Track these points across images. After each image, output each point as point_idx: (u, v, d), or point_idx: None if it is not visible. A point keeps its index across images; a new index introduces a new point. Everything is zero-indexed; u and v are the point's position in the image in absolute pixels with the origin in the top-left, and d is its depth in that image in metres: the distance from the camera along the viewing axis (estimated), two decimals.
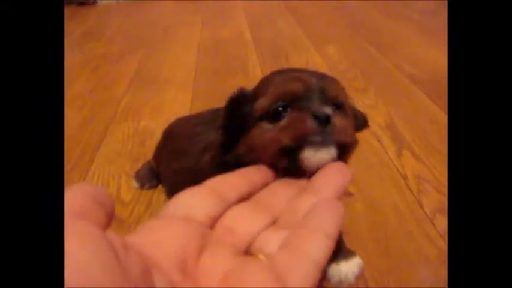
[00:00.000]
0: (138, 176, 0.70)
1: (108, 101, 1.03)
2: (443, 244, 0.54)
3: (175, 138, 0.64)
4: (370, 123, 0.66)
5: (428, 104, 0.90)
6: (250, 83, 0.90)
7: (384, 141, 0.78)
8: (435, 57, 1.16)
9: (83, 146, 0.84)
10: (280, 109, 0.37)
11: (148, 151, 0.79)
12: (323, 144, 0.33)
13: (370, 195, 0.63)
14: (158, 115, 0.94)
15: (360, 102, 0.92)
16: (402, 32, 1.42)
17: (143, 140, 0.84)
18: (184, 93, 1.03)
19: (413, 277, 0.50)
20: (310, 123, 0.35)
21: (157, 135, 0.82)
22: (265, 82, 0.40)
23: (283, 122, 0.37)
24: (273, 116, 0.37)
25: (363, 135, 0.71)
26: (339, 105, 0.38)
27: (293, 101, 0.37)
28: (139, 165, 0.74)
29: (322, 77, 0.39)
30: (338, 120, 0.36)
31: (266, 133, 0.37)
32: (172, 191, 0.63)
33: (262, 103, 0.38)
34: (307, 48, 1.28)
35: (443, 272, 0.51)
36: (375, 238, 0.56)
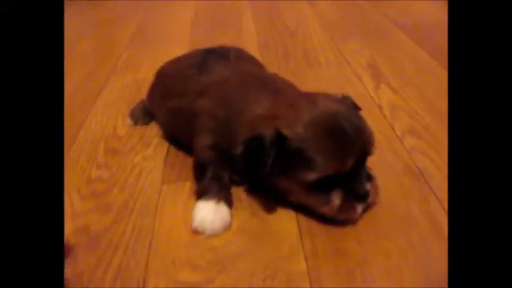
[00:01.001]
0: (133, 114, 0.76)
1: (109, 56, 1.09)
2: (408, 159, 0.60)
3: (168, 78, 0.69)
4: (354, 65, 0.74)
5: (411, 46, 0.94)
6: (241, 38, 0.96)
7: (364, 78, 0.82)
8: (421, 7, 1.19)
9: (86, 94, 0.90)
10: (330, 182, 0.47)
11: (144, 95, 0.85)
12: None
13: None
14: (155, 68, 0.99)
15: (347, 48, 0.96)
16: None
17: (140, 87, 0.90)
18: (180, 48, 1.07)
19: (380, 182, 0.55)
20: (359, 207, 0.48)
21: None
22: (316, 141, 0.46)
23: (335, 203, 0.47)
24: (321, 184, 0.47)
25: (347, 73, 0.76)
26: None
27: (341, 179, 0.47)
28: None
29: (360, 133, 0.47)
30: (371, 189, 0.48)
31: (317, 203, 0.49)
32: (166, 127, 0.69)
33: (311, 176, 0.46)
34: (299, 2, 1.32)
35: (406, 181, 0.56)
36: None
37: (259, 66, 0.69)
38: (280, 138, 0.47)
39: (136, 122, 0.75)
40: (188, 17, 1.33)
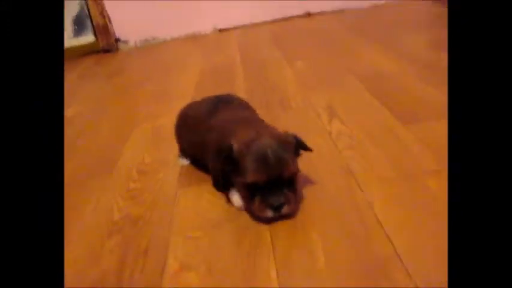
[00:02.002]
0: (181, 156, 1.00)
1: (133, 113, 1.41)
2: (345, 164, 0.87)
3: (188, 120, 0.95)
4: (316, 107, 1.04)
5: (361, 91, 1.25)
6: (235, 92, 1.32)
7: (322, 115, 1.12)
8: (379, 60, 1.51)
9: (119, 137, 1.21)
10: (253, 190, 0.70)
11: (163, 137, 1.15)
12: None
13: (308, 143, 0.96)
14: (170, 117, 1.29)
15: (311, 95, 1.27)
16: (361, 44, 1.78)
17: (158, 132, 1.20)
18: (186, 101, 1.39)
19: (318, 167, 0.83)
20: (269, 212, 0.70)
21: (169, 128, 1.18)
22: (244, 157, 0.70)
23: (256, 203, 0.70)
24: (249, 188, 0.71)
25: (310, 113, 1.05)
26: (291, 180, 0.71)
27: (259, 188, 0.70)
28: (156, 146, 1.10)
29: (280, 160, 0.69)
30: (288, 199, 0.70)
31: (246, 200, 0.73)
32: (190, 153, 0.96)
33: (244, 180, 0.70)
34: (282, 64, 1.65)
35: (341, 177, 0.83)
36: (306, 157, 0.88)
37: (252, 110, 0.96)
38: (230, 150, 0.72)
39: (187, 160, 0.98)
40: (193, 79, 1.66)
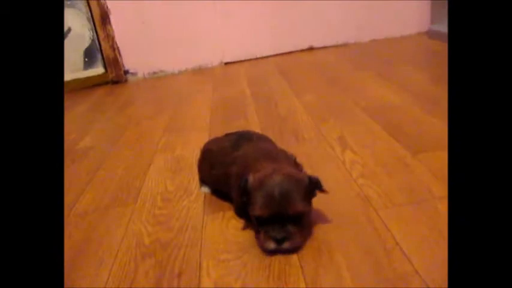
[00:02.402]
0: (204, 186, 1.05)
1: (150, 143, 1.47)
2: (359, 190, 0.94)
3: (212, 154, 1.01)
4: (328, 138, 1.12)
5: (370, 123, 1.32)
6: (248, 124, 1.41)
7: (335, 146, 1.19)
8: (383, 94, 1.59)
9: (139, 167, 1.27)
10: (260, 223, 0.76)
11: (182, 167, 1.21)
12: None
13: (324, 172, 1.02)
14: (187, 148, 1.37)
15: (323, 128, 1.34)
16: (365, 78, 1.87)
17: (178, 161, 1.27)
18: (203, 133, 1.46)
19: (335, 193, 0.89)
20: (272, 244, 0.76)
21: (188, 158, 1.25)
22: (255, 191, 0.76)
23: (261, 235, 0.76)
24: (257, 220, 0.77)
25: (323, 144, 1.12)
26: (297, 217, 0.75)
27: (265, 221, 0.76)
28: (177, 175, 1.16)
29: (286, 198, 0.73)
30: (291, 235, 0.74)
31: (254, 231, 0.80)
32: (213, 185, 1.02)
33: (253, 212, 0.77)
34: (290, 97, 1.74)
35: (357, 202, 0.89)
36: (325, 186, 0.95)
37: (272, 142, 1.01)
38: (246, 183, 0.79)
39: (209, 189, 1.04)
40: (205, 112, 1.73)
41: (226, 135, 1.04)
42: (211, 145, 1.05)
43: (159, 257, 0.82)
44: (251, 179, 0.79)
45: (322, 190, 0.80)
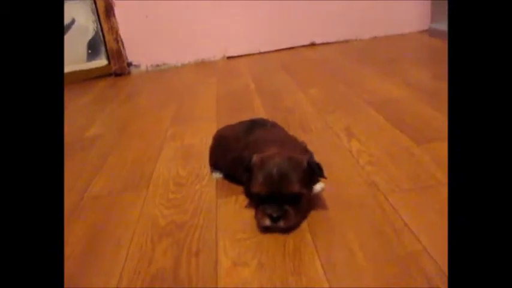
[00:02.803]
0: (215, 171, 1.09)
1: (158, 132, 1.50)
2: (366, 177, 0.97)
3: (226, 139, 1.04)
4: (335, 129, 1.15)
5: (374, 115, 1.36)
6: (255, 115, 1.43)
7: (341, 136, 1.22)
8: (386, 88, 1.63)
9: (149, 155, 1.30)
10: (259, 200, 0.81)
11: (193, 154, 1.24)
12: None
13: (332, 161, 1.06)
14: (195, 137, 1.40)
15: (329, 119, 1.38)
16: (367, 73, 1.91)
17: (188, 150, 1.30)
18: (210, 123, 1.49)
19: (343, 179, 0.93)
20: (267, 221, 0.80)
21: (197, 146, 1.28)
22: (256, 169, 0.81)
23: (258, 212, 0.80)
24: (256, 197, 0.82)
25: (330, 134, 1.15)
26: (294, 198, 0.79)
27: (264, 199, 0.81)
28: (187, 162, 1.19)
29: (284, 178, 0.78)
30: (286, 215, 0.78)
31: (254, 207, 0.84)
32: (227, 170, 1.05)
33: (252, 189, 0.81)
34: (295, 91, 1.77)
35: (364, 187, 0.93)
36: (333, 173, 0.98)
37: (284, 130, 1.04)
38: (249, 161, 0.83)
39: (220, 174, 1.07)
40: (211, 103, 1.76)
41: (240, 122, 1.07)
42: (224, 131, 1.08)
43: (176, 237, 0.86)
44: (254, 158, 0.83)
45: (321, 175, 0.83)
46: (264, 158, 0.82)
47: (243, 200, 0.95)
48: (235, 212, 0.91)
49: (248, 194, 0.93)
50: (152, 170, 1.19)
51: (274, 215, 0.78)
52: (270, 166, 0.79)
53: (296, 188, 0.79)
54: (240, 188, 0.98)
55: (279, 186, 0.79)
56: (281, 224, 0.79)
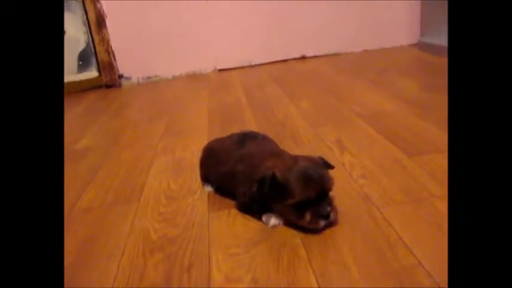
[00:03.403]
0: (206, 184, 1.08)
1: (149, 145, 1.49)
2: (359, 190, 0.97)
3: (216, 152, 1.03)
4: (327, 141, 1.15)
5: (366, 127, 1.36)
6: (247, 128, 1.42)
7: (333, 149, 1.22)
8: (377, 101, 1.64)
9: (140, 168, 1.28)
10: (303, 207, 0.81)
11: (184, 167, 1.23)
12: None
13: None
14: (187, 150, 1.39)
15: (321, 132, 1.38)
16: (358, 86, 1.92)
17: (179, 162, 1.29)
18: (202, 136, 1.48)
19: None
20: (322, 222, 0.81)
21: (189, 160, 1.27)
22: (289, 181, 0.80)
23: (307, 217, 0.80)
24: (298, 206, 0.82)
25: (322, 147, 1.15)
26: (329, 192, 0.83)
27: (311, 202, 0.82)
28: (179, 175, 1.18)
29: (322, 176, 0.81)
30: (332, 207, 0.82)
31: (296, 218, 0.82)
32: (219, 186, 1.04)
33: (293, 200, 0.80)
34: (286, 103, 1.77)
35: (358, 200, 0.93)
36: None
37: (275, 144, 1.05)
38: (274, 177, 0.82)
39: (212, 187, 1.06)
40: (203, 116, 1.76)
41: (230, 135, 1.06)
42: (214, 144, 1.08)
43: (167, 252, 0.84)
44: (278, 172, 0.82)
45: (330, 167, 0.88)
46: (289, 168, 0.82)
47: (235, 213, 0.94)
48: (227, 225, 0.90)
49: (247, 210, 0.92)
50: (143, 183, 1.17)
51: (325, 213, 0.80)
52: (303, 171, 0.81)
53: (333, 181, 0.83)
54: (232, 202, 0.97)
55: (323, 186, 0.81)
56: (332, 217, 0.82)
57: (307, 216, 0.81)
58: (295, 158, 0.86)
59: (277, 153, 0.94)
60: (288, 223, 0.85)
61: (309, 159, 0.86)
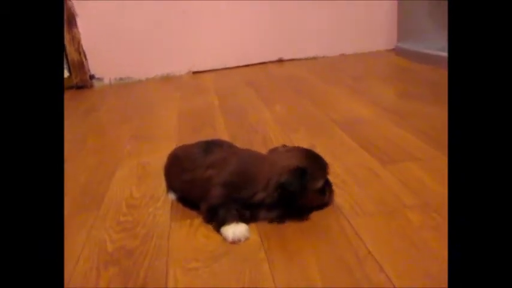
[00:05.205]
0: (170, 192, 1.02)
1: (115, 150, 1.42)
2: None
3: (181, 160, 0.98)
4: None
5: (340, 134, 1.32)
6: (217, 133, 1.37)
7: None
8: (353, 107, 1.61)
9: (103, 173, 1.22)
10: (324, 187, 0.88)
11: (149, 173, 1.17)
12: None
13: None
14: (154, 155, 1.32)
15: (294, 137, 1.33)
16: (334, 91, 1.88)
17: (144, 167, 1.23)
18: (171, 142, 1.42)
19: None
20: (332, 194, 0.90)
21: (154, 165, 1.21)
22: (317, 165, 0.87)
23: (327, 195, 0.89)
24: (321, 188, 0.87)
25: None
26: None
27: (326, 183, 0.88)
28: (143, 182, 1.12)
29: (327, 166, 0.88)
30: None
31: (321, 199, 0.89)
32: (182, 191, 0.98)
33: (318, 184, 0.86)
34: (260, 108, 1.73)
35: (329, 209, 0.89)
36: None
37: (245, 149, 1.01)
38: (303, 170, 0.82)
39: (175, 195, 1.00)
40: (173, 120, 1.70)
41: (196, 143, 1.01)
42: (179, 151, 1.02)
43: (123, 265, 0.78)
44: (292, 172, 0.82)
45: None
46: (296, 164, 0.83)
47: (198, 224, 0.89)
48: (189, 237, 0.85)
49: (212, 219, 0.86)
50: (105, 190, 1.11)
51: (332, 184, 0.91)
52: (315, 157, 0.89)
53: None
54: (195, 212, 0.92)
55: (327, 164, 0.89)
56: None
57: (327, 193, 0.89)
58: (290, 150, 0.91)
59: (254, 155, 0.93)
60: (308, 206, 0.88)
61: (296, 148, 0.93)
